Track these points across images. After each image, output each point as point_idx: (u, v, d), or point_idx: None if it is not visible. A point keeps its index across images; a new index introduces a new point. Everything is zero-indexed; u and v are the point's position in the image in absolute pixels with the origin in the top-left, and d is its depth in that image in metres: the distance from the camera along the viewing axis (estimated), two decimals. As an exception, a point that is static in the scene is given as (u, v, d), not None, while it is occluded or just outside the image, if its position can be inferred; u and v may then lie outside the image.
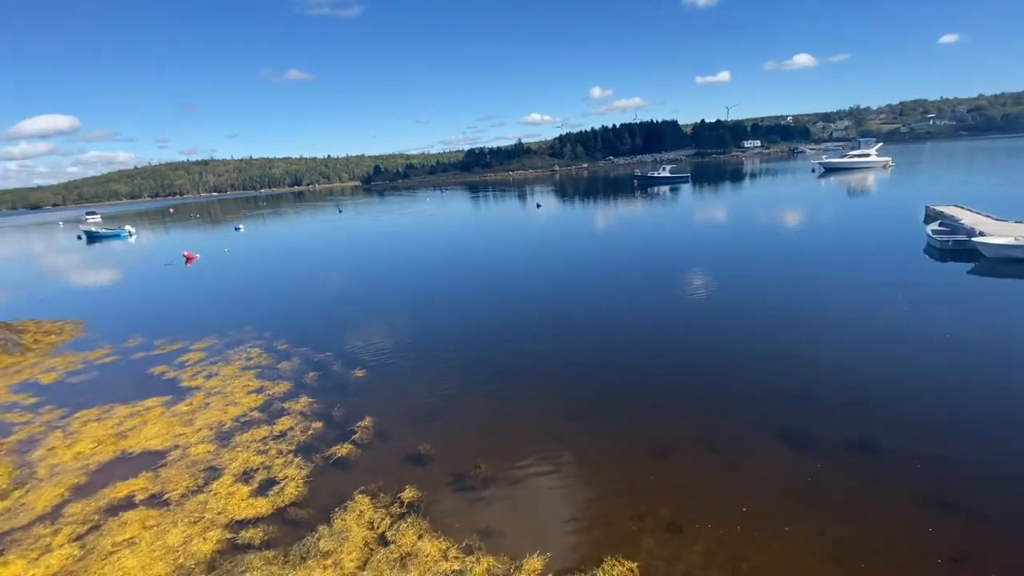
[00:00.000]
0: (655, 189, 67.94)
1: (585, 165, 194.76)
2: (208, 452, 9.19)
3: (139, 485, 8.33)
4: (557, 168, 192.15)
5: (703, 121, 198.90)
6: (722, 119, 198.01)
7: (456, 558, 6.23)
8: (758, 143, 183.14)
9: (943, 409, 8.85)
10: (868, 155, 69.85)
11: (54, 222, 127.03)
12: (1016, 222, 21.26)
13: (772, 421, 8.88)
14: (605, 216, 43.66)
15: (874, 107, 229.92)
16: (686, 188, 65.49)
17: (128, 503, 7.92)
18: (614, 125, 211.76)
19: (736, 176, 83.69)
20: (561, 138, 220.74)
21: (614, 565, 5.92)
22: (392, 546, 6.51)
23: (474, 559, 6.19)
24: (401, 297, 20.42)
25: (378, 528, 6.88)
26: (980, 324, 12.47)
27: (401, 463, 8.52)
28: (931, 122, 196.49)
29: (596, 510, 7.08)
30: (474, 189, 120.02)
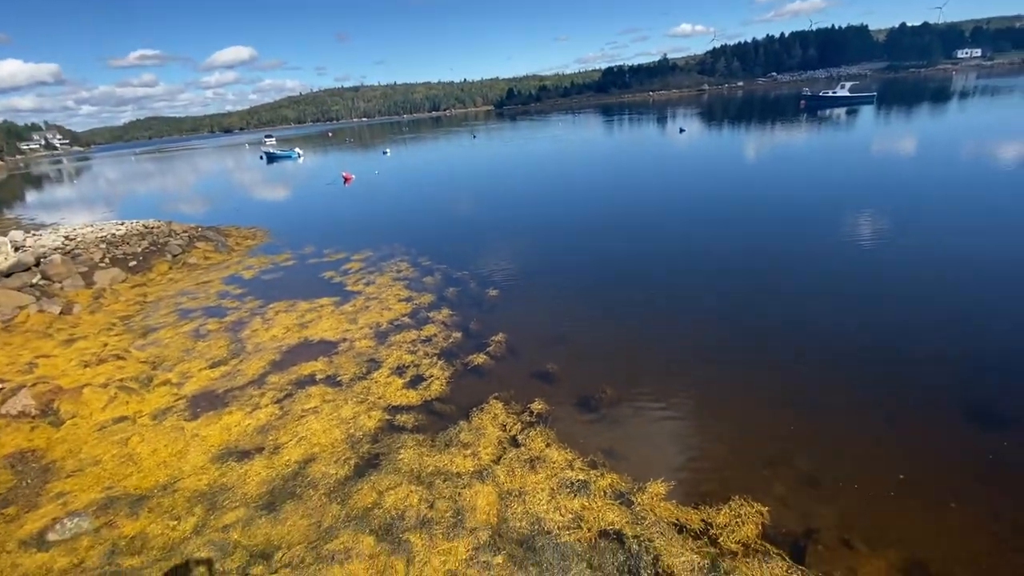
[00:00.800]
0: (827, 112, 58.03)
1: (740, 83, 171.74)
2: (369, 347, 10.69)
3: (318, 367, 10.06)
4: (706, 87, 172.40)
5: (902, 25, 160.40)
6: (930, 22, 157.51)
7: (581, 469, 6.66)
8: (978, 52, 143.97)
9: None
10: None
11: (241, 144, 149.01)
12: None
13: (949, 388, 7.69)
14: (759, 144, 38.71)
15: None
16: (868, 111, 54.89)
17: (311, 380, 9.65)
18: (781, 34, 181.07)
19: (939, 95, 67.77)
20: (714, 52, 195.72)
21: (742, 505, 5.87)
22: (522, 448, 7.15)
23: (598, 473, 6.56)
24: (530, 223, 20.77)
25: (510, 431, 7.57)
26: None
27: (530, 378, 9.10)
28: None
29: (724, 449, 6.96)
30: (609, 112, 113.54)
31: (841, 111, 57.44)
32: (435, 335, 10.97)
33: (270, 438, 7.99)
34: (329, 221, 25.50)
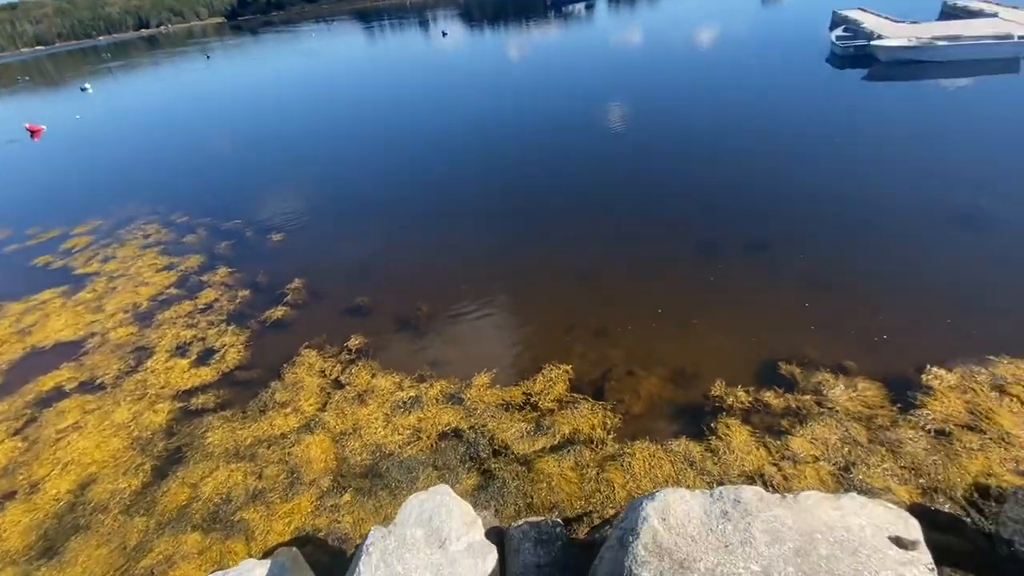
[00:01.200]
0: (570, 8, 62.15)
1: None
2: (131, 334, 8.80)
3: (64, 375, 8.00)
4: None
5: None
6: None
7: (411, 387, 6.80)
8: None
9: (830, 209, 9.99)
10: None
11: None
12: (912, 23, 21.81)
13: (685, 235, 9.68)
14: (519, 43, 40.03)
15: None
16: (602, 5, 60.45)
17: (59, 393, 7.67)
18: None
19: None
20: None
21: (551, 369, 6.75)
22: (348, 387, 6.94)
23: (427, 385, 6.79)
24: (303, 154, 18.60)
25: (331, 375, 7.24)
26: (865, 127, 13.54)
27: (342, 316, 8.66)
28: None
29: (533, 330, 7.78)
30: (366, 18, 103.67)
31: (580, 6, 62.08)
32: (216, 300, 9.50)
33: (20, 477, 6.31)
34: (23, 192, 19.06)
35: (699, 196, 10.98)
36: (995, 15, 21.39)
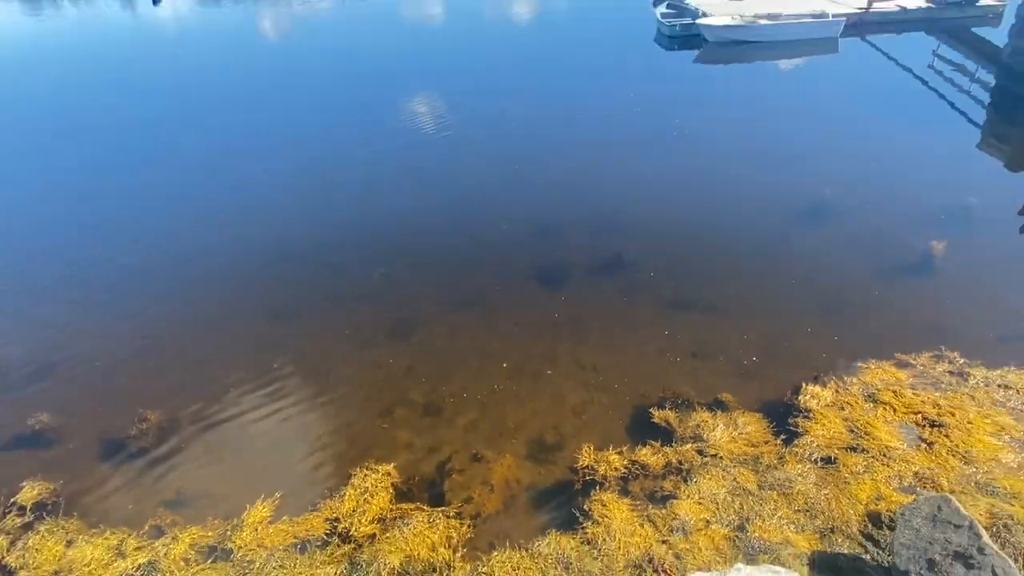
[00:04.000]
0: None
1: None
2: None
3: None
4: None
5: None
6: None
7: (139, 548, 5.78)
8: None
9: (675, 214, 11.50)
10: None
11: None
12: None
13: (519, 264, 10.22)
14: (269, 17, 39.36)
15: None
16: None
17: None
18: None
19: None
20: None
21: (365, 476, 6.36)
22: (23, 573, 5.63)
23: (168, 539, 5.84)
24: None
25: (-14, 559, 5.81)
26: (701, 116, 16.12)
27: (6, 455, 7.14)
28: None
29: (329, 422, 7.32)
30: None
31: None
32: None
33: None
34: None
35: (528, 214, 11.72)
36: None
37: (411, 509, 6.03)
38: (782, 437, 6.56)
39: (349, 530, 5.83)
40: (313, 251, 11.01)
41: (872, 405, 6.85)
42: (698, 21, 23.11)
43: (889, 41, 22.34)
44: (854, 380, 7.23)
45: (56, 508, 6.33)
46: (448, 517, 5.91)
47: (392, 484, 6.34)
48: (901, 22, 23.97)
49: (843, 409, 6.81)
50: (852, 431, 6.52)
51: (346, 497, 6.17)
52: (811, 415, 6.73)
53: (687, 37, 23.46)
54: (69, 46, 34.72)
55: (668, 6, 26.00)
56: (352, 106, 19.18)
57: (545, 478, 6.39)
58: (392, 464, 6.54)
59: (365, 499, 6.12)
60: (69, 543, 5.92)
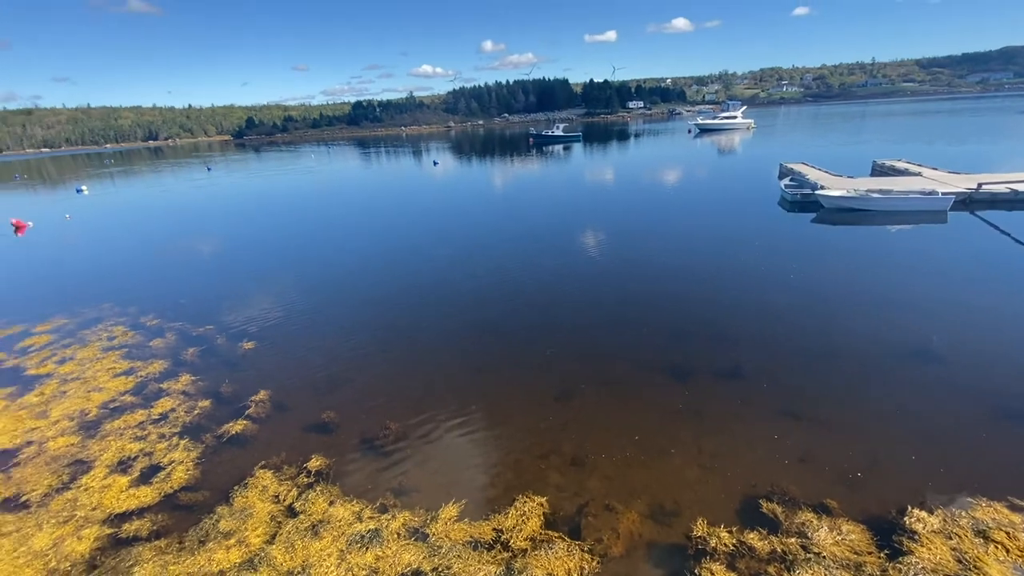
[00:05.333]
0: (550, 147, 69.18)
1: (480, 122, 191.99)
2: (71, 445, 8.08)
3: (-18, 492, 7.13)
4: (452, 124, 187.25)
5: (591, 81, 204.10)
6: (609, 79, 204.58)
7: (371, 518, 6.23)
8: (641, 104, 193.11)
9: (788, 337, 10.42)
10: (735, 117, 76.95)
11: None
12: (848, 177, 25.10)
13: (656, 359, 9.83)
14: (503, 174, 43.71)
15: (740, 72, 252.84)
16: (578, 147, 67.51)
17: (-31, 514, 6.77)
18: (508, 81, 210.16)
19: (623, 136, 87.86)
20: (455, 93, 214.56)
21: (525, 502, 6.33)
22: (302, 516, 6.33)
23: (389, 516, 6.24)
24: (287, 263, 18.99)
25: (284, 500, 6.63)
26: (817, 264, 14.69)
27: (304, 433, 8.19)
28: (784, 88, 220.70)
29: (504, 455, 7.43)
30: (364, 145, 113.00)
31: (559, 147, 69.32)
32: (173, 410, 8.94)
33: None
34: (-10, 286, 18.60)
35: (669, 323, 11.35)
36: (919, 174, 24.68)
37: (555, 537, 5.85)
38: (886, 551, 5.41)
39: (508, 541, 5.79)
40: (508, 329, 11.59)
41: (983, 541, 5.42)
42: (816, 192, 21.65)
43: (1001, 216, 18.87)
44: (963, 513, 5.81)
45: (327, 476, 7.08)
46: (582, 551, 5.63)
47: (543, 513, 6.22)
48: (1012, 201, 20.18)
49: (951, 539, 5.47)
50: (960, 562, 5.19)
51: (509, 515, 6.16)
52: (917, 537, 5.49)
53: (806, 203, 22.00)
54: (382, 182, 41.15)
55: (791, 179, 25.10)
56: (543, 234, 20.39)
57: (663, 537, 5.86)
58: (544, 497, 6.44)
59: (523, 520, 6.06)
60: (331, 503, 6.55)
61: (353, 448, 7.73)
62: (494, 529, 5.98)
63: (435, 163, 55.85)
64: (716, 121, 77.83)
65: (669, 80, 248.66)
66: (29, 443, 8.23)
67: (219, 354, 11.18)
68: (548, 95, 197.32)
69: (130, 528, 6.35)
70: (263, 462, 7.38)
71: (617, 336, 10.89)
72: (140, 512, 6.63)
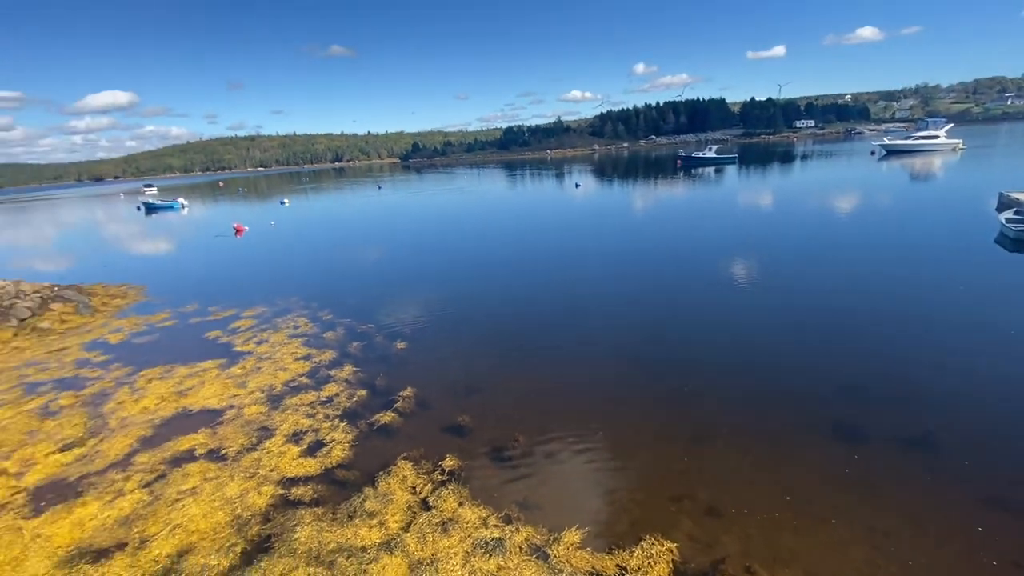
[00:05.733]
0: (699, 170, 65.71)
1: (626, 144, 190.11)
2: (260, 413, 9.70)
3: (199, 440, 8.90)
4: (597, 147, 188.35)
5: (752, 99, 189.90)
6: (773, 97, 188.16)
7: (496, 526, 6.40)
8: (812, 123, 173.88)
9: (1002, 407, 8.35)
10: (936, 137, 65.06)
11: (115, 193, 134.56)
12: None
13: (820, 412, 8.61)
14: (646, 197, 42.61)
15: (944, 84, 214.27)
16: (732, 169, 63.03)
17: (190, 456, 8.48)
18: (657, 103, 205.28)
19: (786, 158, 79.85)
20: (601, 116, 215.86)
21: (653, 544, 5.96)
22: (434, 511, 6.74)
23: (513, 528, 6.35)
24: (438, 273, 20.70)
25: (420, 493, 7.14)
26: (1055, 320, 11.62)
27: (441, 433, 8.76)
28: (1008, 101, 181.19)
29: (633, 489, 7.10)
30: (511, 168, 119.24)
31: (710, 170, 65.39)
32: (337, 394, 10.25)
33: (135, 530, 6.81)
34: (217, 276, 23.43)
35: (837, 373, 9.88)
36: None
37: (684, 588, 5.38)
38: None
39: (632, 581, 5.48)
40: (644, 359, 11.16)
41: None
42: None
43: None
44: None
45: (459, 477, 7.46)
46: (715, 611, 5.10)
47: (672, 560, 5.79)
48: None
49: None
50: None
51: (635, 554, 5.85)
52: None
53: None
54: (525, 201, 42.69)
55: (1016, 212, 20.38)
56: (687, 261, 19.32)
57: (816, 620, 5.04)
58: (675, 544, 5.99)
59: (649, 562, 5.71)
60: (460, 503, 6.88)
61: (483, 454, 8.05)
62: (617, 565, 5.72)
63: (577, 185, 56.59)
64: (909, 142, 66.54)
65: (848, 96, 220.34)
66: (231, 407, 10.06)
67: (376, 350, 12.57)
68: (701, 115, 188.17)
69: (297, 492, 7.38)
70: (405, 454, 8.05)
71: (771, 381, 9.79)
72: (305, 480, 7.67)
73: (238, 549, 6.31)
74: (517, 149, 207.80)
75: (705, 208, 33.83)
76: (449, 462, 7.74)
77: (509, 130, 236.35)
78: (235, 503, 7.20)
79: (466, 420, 8.95)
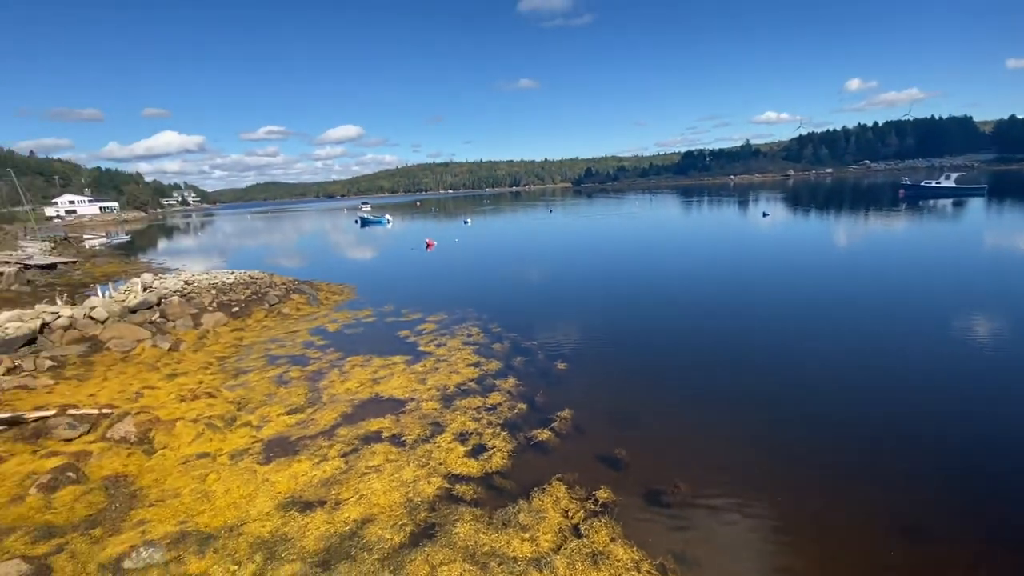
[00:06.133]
0: (930, 202, 54.29)
1: (829, 170, 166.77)
2: (435, 409, 10.74)
3: (385, 424, 10.20)
4: (792, 173, 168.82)
5: (1012, 117, 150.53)
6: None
7: (649, 572, 6.03)
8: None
9: None
10: None
11: (340, 208, 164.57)
12: None
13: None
14: (854, 232, 36.63)
15: None
16: (978, 203, 50.69)
17: (377, 437, 9.77)
18: (875, 123, 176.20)
19: (1068, 190, 61.34)
20: (800, 139, 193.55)
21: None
22: (585, 539, 6.64)
23: (667, 580, 5.90)
24: (603, 297, 20.59)
25: (572, 518, 7.10)
26: None
27: (596, 461, 8.61)
28: None
29: (809, 570, 6.04)
30: (687, 193, 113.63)
31: (947, 202, 53.47)
32: (500, 404, 10.83)
33: (333, 492, 8.05)
34: (409, 283, 26.88)
35: None
36: None
37: None
38: None
39: None
40: (846, 423, 9.50)
41: None
42: None
43: None
44: None
45: (612, 512, 7.23)
46: None
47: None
48: None
49: None
50: None
51: (818, 651, 4.94)
52: None
53: None
54: (700, 230, 40.31)
55: None
56: (907, 310, 16.00)
57: None
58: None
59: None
60: (612, 539, 6.66)
61: (639, 494, 7.68)
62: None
63: (765, 214, 51.34)
64: None
65: None
66: (412, 399, 11.33)
67: (538, 366, 13.00)
68: (935, 137, 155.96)
69: (460, 489, 7.95)
70: (559, 475, 8.11)
71: (1003, 465, 7.50)
72: (467, 479, 8.23)
73: (408, 530, 7.02)
74: (696, 174, 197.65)
75: (938, 251, 27.75)
76: (603, 493, 7.55)
77: (688, 154, 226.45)
78: (409, 487, 8.05)
79: (623, 454, 8.66)
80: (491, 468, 8.47)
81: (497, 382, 12.00)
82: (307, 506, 7.70)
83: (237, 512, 7.54)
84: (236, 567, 6.37)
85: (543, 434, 9.46)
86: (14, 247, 49.60)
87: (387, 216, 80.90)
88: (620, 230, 47.72)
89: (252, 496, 7.99)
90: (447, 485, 8.06)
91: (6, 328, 14.58)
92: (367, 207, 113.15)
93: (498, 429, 9.74)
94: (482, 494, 7.84)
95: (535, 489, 7.78)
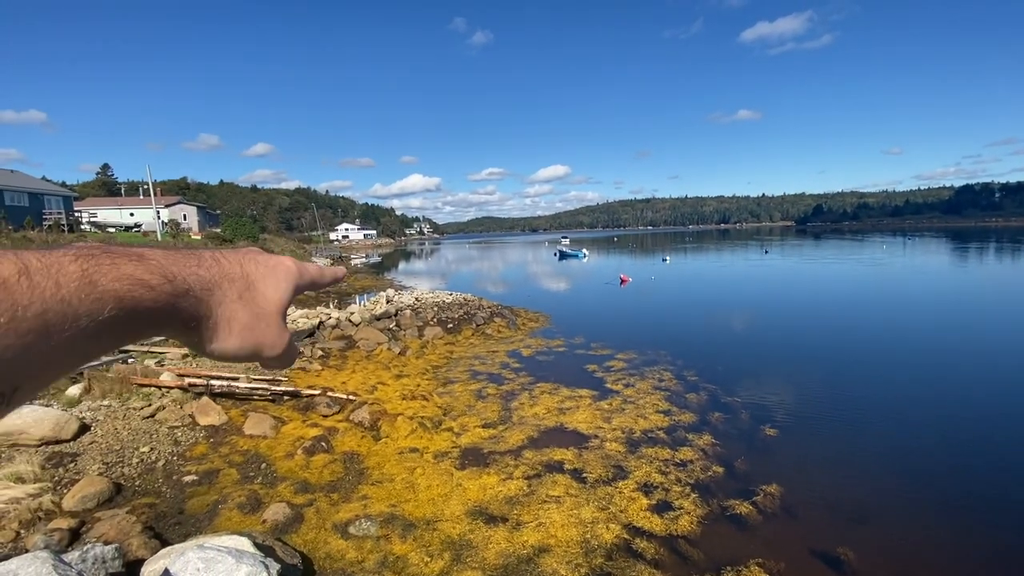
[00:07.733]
0: None
1: None
2: (618, 451, 10.39)
3: (567, 456, 10.26)
4: None
5: None
6: None
7: None
8: None
9: None
10: None
11: (542, 242, 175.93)
12: None
13: None
14: None
15: None
16: None
17: (559, 467, 9.87)
18: None
19: None
20: None
21: None
22: (786, 646, 5.54)
23: None
24: (831, 359, 17.34)
25: (773, 616, 6.01)
26: None
27: (810, 556, 7.16)
28: None
29: None
30: (963, 237, 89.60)
31: None
32: (692, 461, 9.90)
33: (515, 512, 8.37)
34: (601, 317, 26.92)
35: None
36: None
37: None
38: None
39: None
40: None
41: None
42: None
43: None
44: None
45: (829, 624, 5.89)
46: None
47: None
48: None
49: None
50: None
51: None
52: None
53: None
54: (982, 288, 31.69)
55: None
56: None
57: None
58: None
59: None
60: (827, 659, 5.39)
61: (869, 612, 6.11)
62: None
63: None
64: None
65: None
66: (595, 436, 11.17)
67: (740, 427, 11.55)
68: None
69: (639, 544, 7.46)
70: (760, 560, 6.97)
71: None
72: (648, 535, 7.68)
73: (582, 572, 6.85)
74: (976, 214, 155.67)
75: None
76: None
77: (966, 188, 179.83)
78: (587, 527, 7.88)
79: (849, 555, 7.01)
80: (677, 530, 7.75)
81: (690, 436, 11.03)
82: (491, 519, 8.15)
83: (434, 508, 8.40)
84: (429, 559, 7.06)
85: (742, 507, 8.29)
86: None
87: (584, 250, 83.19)
88: (857, 280, 39.96)
89: (447, 496, 8.82)
90: (626, 536, 7.65)
91: (298, 322, 19.30)
92: (566, 241, 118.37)
93: (687, 489, 8.90)
94: (664, 556, 7.21)
95: (727, 568, 6.83)
